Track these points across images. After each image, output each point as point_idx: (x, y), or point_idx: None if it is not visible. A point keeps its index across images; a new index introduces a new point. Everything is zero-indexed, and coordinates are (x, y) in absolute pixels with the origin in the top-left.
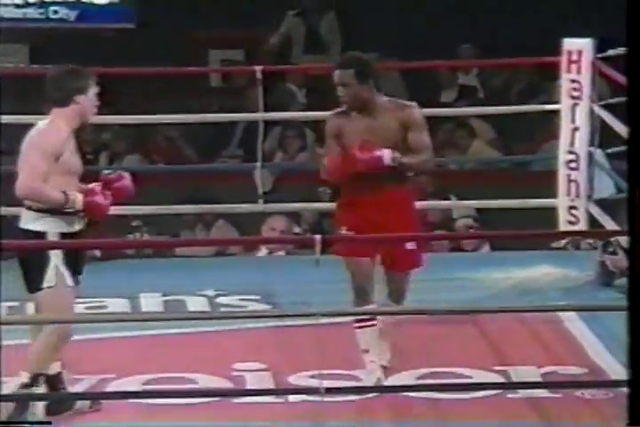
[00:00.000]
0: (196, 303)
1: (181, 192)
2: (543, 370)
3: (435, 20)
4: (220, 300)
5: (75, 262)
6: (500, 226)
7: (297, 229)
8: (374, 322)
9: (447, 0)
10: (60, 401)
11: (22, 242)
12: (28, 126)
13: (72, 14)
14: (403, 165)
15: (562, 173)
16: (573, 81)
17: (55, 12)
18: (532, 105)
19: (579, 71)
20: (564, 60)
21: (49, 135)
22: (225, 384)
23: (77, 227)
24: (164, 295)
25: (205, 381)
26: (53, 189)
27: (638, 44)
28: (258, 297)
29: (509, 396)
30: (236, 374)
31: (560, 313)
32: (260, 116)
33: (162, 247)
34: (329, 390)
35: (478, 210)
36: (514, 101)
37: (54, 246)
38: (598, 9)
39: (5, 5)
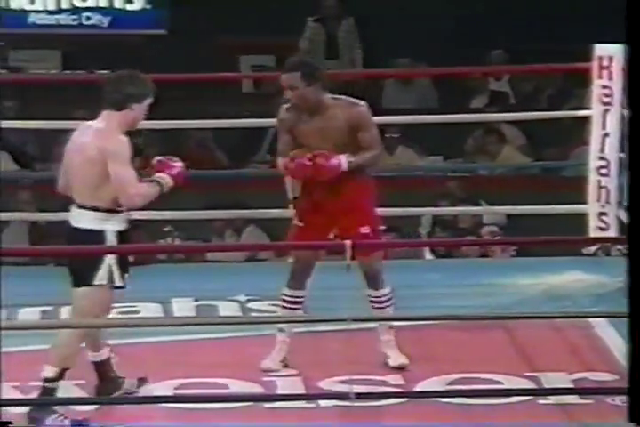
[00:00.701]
0: (227, 308)
1: (212, 197)
2: (574, 376)
3: (465, 26)
4: (252, 305)
5: (124, 262)
6: (530, 232)
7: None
8: (300, 307)
9: (477, 5)
10: (108, 383)
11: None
12: (62, 132)
13: (105, 20)
14: (357, 165)
15: (592, 179)
16: (604, 87)
17: (88, 18)
18: (563, 111)
19: (610, 77)
20: (595, 65)
21: (121, 145)
22: (256, 389)
23: (125, 225)
24: (196, 300)
25: (236, 386)
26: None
27: (639, 45)
28: None
29: (540, 402)
30: (266, 379)
31: (590, 319)
32: None
33: (193, 252)
34: (359, 396)
35: (508, 216)
36: (544, 107)
37: (80, 252)
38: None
39: (38, 12)
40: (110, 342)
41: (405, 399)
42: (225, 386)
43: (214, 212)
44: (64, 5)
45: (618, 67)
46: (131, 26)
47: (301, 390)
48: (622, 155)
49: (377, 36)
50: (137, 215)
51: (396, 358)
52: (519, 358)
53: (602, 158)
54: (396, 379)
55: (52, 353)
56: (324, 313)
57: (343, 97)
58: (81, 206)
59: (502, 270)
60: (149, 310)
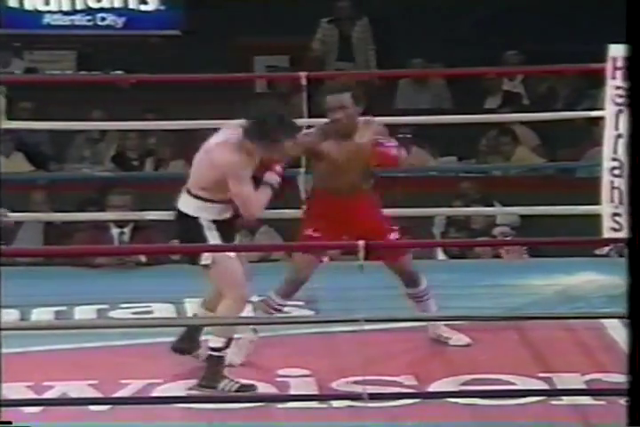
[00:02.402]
0: None
1: None
2: (587, 377)
3: (479, 27)
4: None
5: (230, 238)
6: (543, 233)
7: None
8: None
9: (492, 6)
10: (186, 341)
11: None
12: (74, 133)
13: (119, 21)
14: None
15: (605, 179)
16: (618, 87)
17: (103, 18)
18: (577, 112)
19: (624, 78)
20: (609, 66)
21: (240, 165)
22: (269, 390)
23: (226, 215)
24: None
25: None
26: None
27: (639, 45)
28: (301, 303)
29: (553, 403)
30: (279, 379)
31: (603, 320)
32: (305, 121)
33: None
34: (372, 396)
35: (522, 217)
36: (558, 108)
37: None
38: None
39: (53, 13)
40: (122, 342)
41: (418, 400)
42: None
43: None
44: (79, 6)
45: None
46: (145, 26)
47: (314, 391)
48: None
49: (391, 36)
50: (151, 215)
51: (457, 339)
52: (532, 359)
53: (615, 159)
54: (408, 379)
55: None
56: (337, 314)
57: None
58: (188, 192)
59: (514, 271)
60: (162, 310)
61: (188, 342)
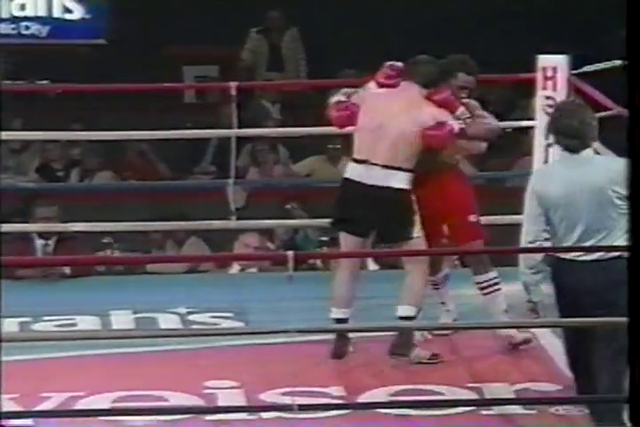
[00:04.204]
0: (167, 321)
1: (153, 209)
2: (516, 387)
3: (410, 37)
4: (192, 317)
5: None
6: None
7: (270, 246)
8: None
9: (424, 16)
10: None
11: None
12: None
13: (44, 30)
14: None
15: None
16: (548, 97)
17: (27, 27)
18: (507, 121)
19: (554, 88)
20: (539, 76)
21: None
22: (196, 402)
23: None
24: (135, 313)
25: (176, 398)
26: None
27: (638, 49)
28: (230, 314)
29: (483, 413)
30: (207, 391)
31: (535, 330)
32: (235, 132)
33: (133, 264)
34: (302, 407)
35: None
36: None
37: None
38: (572, 26)
39: None
40: (46, 355)
41: (348, 411)
42: (164, 399)
43: (155, 223)
44: (2, 14)
45: (562, 77)
46: (70, 35)
47: (243, 403)
48: None
49: (322, 46)
50: (76, 227)
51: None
52: (462, 369)
53: None
54: (338, 390)
55: (407, 293)
56: (266, 325)
57: None
58: (385, 166)
59: None
60: (87, 322)
61: (404, 345)
